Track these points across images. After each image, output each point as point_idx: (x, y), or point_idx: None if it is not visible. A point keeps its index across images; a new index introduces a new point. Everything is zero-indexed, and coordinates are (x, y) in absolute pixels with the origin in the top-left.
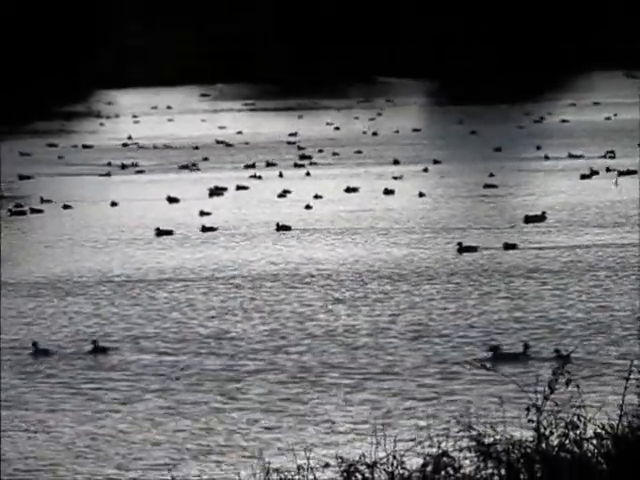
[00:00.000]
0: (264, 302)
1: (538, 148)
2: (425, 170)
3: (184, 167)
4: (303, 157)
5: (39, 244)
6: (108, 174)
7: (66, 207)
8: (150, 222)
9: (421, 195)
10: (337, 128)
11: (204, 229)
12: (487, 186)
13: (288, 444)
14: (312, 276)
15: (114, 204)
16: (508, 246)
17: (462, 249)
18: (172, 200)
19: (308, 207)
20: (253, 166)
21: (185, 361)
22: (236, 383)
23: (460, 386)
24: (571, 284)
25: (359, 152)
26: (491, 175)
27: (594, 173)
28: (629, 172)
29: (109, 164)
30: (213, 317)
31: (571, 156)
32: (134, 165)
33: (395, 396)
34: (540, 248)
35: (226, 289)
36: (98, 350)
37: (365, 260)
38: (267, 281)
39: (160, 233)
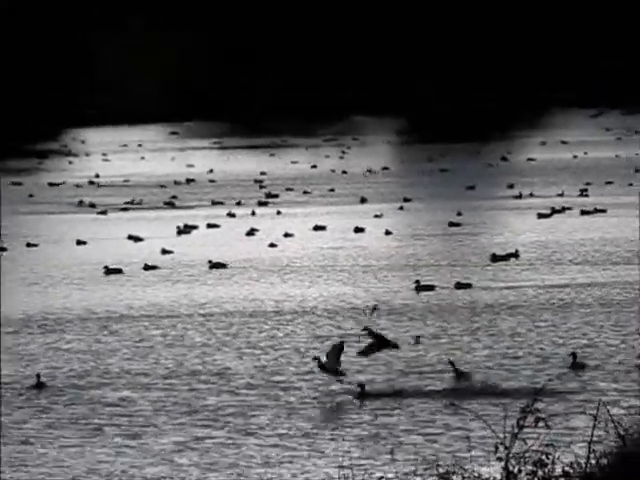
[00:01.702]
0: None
1: (510, 187)
2: (401, 208)
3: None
4: (272, 195)
5: None
6: (75, 212)
7: (29, 245)
8: (107, 260)
9: (388, 233)
10: (314, 166)
11: (146, 267)
12: (453, 225)
13: None
14: (221, 314)
15: (80, 242)
16: (461, 285)
17: (420, 288)
18: (136, 239)
19: (273, 245)
20: (223, 204)
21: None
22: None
23: (423, 422)
24: (522, 320)
25: (332, 190)
26: (459, 214)
27: (564, 210)
28: (599, 210)
29: (80, 202)
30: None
31: (539, 196)
32: (96, 205)
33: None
34: (493, 288)
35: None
36: (40, 385)
37: (310, 297)
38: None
39: (109, 272)
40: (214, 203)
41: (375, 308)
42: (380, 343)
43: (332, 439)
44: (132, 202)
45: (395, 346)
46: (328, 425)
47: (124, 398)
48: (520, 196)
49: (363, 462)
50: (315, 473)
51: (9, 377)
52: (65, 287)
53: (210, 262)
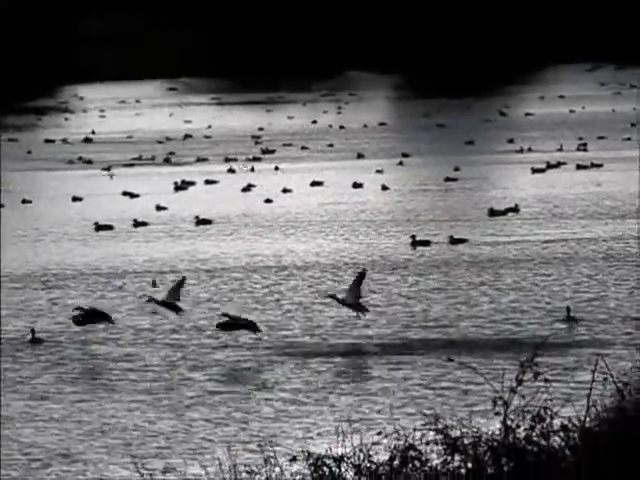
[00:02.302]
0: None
1: (510, 141)
2: (400, 164)
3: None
4: (268, 151)
5: None
6: (72, 169)
7: (25, 202)
8: (100, 216)
9: (385, 188)
10: (314, 122)
11: (136, 224)
12: (451, 179)
13: (254, 437)
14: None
15: (76, 199)
16: (455, 240)
17: (416, 243)
18: (132, 195)
19: (268, 201)
20: (221, 160)
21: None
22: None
23: (421, 378)
24: (525, 273)
25: (330, 145)
26: (456, 169)
27: (559, 165)
28: (595, 165)
29: (79, 159)
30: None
31: (539, 151)
32: (97, 162)
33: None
34: (489, 243)
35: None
36: (36, 341)
37: (305, 252)
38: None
39: (99, 228)
40: (212, 159)
41: (154, 283)
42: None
43: (333, 394)
44: (133, 159)
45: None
46: (330, 380)
47: (131, 354)
48: (521, 150)
49: (362, 417)
50: (313, 429)
51: (16, 332)
52: (57, 243)
53: (197, 218)
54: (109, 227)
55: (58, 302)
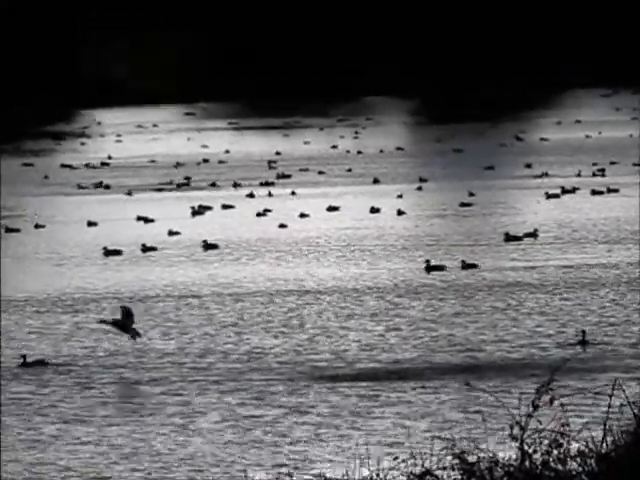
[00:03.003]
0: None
1: (527, 166)
2: (419, 189)
3: (171, 184)
4: (284, 176)
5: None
6: (90, 194)
7: (37, 226)
8: (114, 241)
9: (400, 213)
10: (334, 146)
11: (144, 249)
12: (465, 205)
13: (274, 462)
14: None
15: (91, 224)
16: (466, 266)
17: (430, 268)
18: (146, 220)
19: (282, 226)
20: (238, 185)
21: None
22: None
23: (439, 402)
24: (542, 298)
25: (349, 170)
26: (471, 194)
27: (575, 190)
28: (611, 190)
29: (100, 184)
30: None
31: (556, 175)
32: (110, 186)
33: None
34: (501, 268)
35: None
36: (26, 364)
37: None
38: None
39: (108, 253)
40: (229, 184)
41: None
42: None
43: (351, 418)
44: (151, 184)
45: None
46: (349, 405)
47: (160, 378)
48: (541, 176)
49: (378, 441)
50: (331, 453)
51: (44, 355)
52: (65, 268)
53: (205, 242)
54: (118, 252)
55: (64, 325)
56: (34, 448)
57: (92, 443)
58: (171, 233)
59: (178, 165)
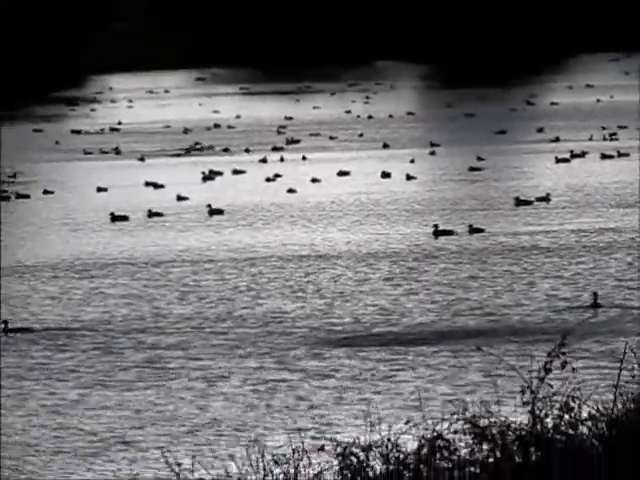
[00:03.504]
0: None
1: (539, 130)
2: (432, 153)
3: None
4: (294, 141)
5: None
6: (101, 159)
7: (46, 192)
8: (121, 206)
9: (410, 178)
10: (348, 111)
11: (150, 214)
12: (474, 169)
13: (280, 426)
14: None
15: (100, 189)
16: (473, 230)
17: (438, 232)
18: (156, 186)
19: (291, 191)
20: (250, 150)
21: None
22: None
23: (450, 367)
24: (549, 262)
25: (360, 135)
26: (480, 159)
27: (584, 154)
28: (622, 154)
29: (111, 150)
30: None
31: (569, 140)
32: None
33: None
34: (511, 233)
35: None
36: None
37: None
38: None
39: (115, 218)
40: (239, 149)
41: None
42: None
43: (364, 383)
44: (162, 149)
45: None
46: (360, 369)
47: (178, 342)
48: (554, 140)
49: (390, 406)
50: (343, 418)
51: (67, 321)
52: (72, 233)
53: (210, 208)
54: (125, 218)
55: (79, 291)
56: (57, 413)
57: (113, 408)
58: (180, 198)
59: (189, 130)
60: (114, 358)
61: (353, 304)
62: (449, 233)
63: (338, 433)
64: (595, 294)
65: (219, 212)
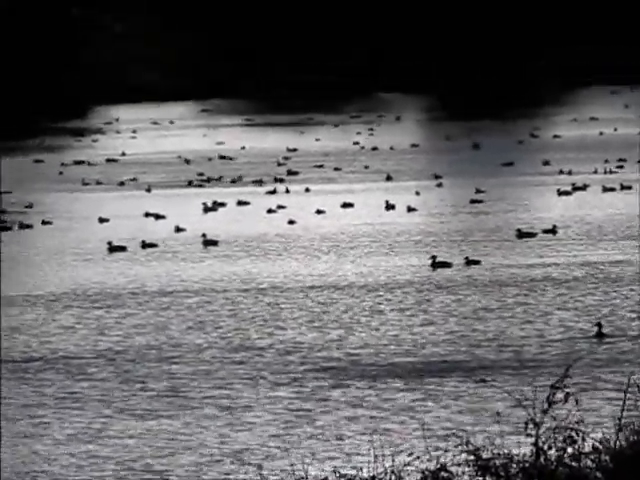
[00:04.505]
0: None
1: (545, 163)
2: (439, 185)
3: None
4: (293, 173)
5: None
6: (104, 190)
7: (45, 223)
8: (121, 237)
9: (410, 210)
10: (356, 143)
11: (144, 245)
12: (475, 202)
13: (285, 455)
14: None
15: (102, 220)
16: (470, 262)
17: (435, 264)
18: (157, 217)
19: (291, 222)
20: (255, 182)
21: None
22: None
23: (454, 399)
24: (558, 294)
25: (366, 167)
26: (478, 191)
27: (586, 187)
28: (625, 187)
29: (121, 183)
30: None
31: (570, 172)
32: (133, 180)
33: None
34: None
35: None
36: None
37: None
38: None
39: (112, 249)
40: (244, 180)
41: None
42: None
43: (368, 414)
44: (166, 180)
45: None
46: (365, 400)
47: (199, 372)
48: (559, 173)
49: (393, 437)
50: (347, 448)
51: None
52: (69, 265)
53: (204, 238)
54: (122, 248)
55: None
56: (82, 441)
57: (136, 437)
58: (178, 229)
59: (192, 161)
60: (132, 387)
61: (365, 334)
62: (446, 265)
63: (342, 464)
64: (599, 324)
65: (213, 243)
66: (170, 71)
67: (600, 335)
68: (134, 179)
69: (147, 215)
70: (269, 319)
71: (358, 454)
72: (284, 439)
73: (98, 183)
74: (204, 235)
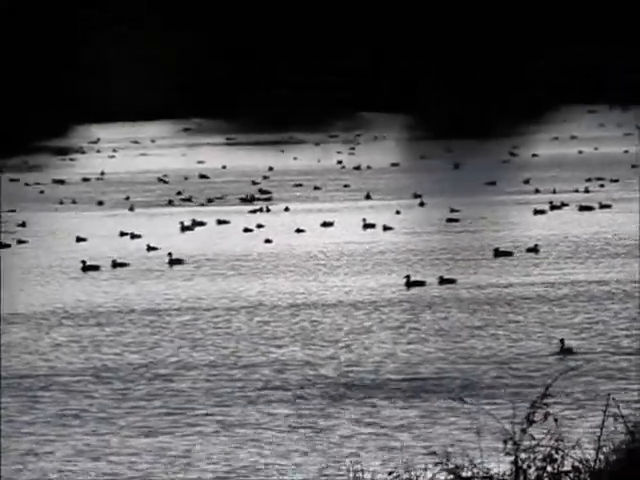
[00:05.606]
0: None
1: (526, 182)
2: (421, 204)
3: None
4: (266, 192)
5: None
6: (84, 210)
7: (20, 242)
8: (95, 256)
9: (386, 229)
10: (340, 162)
11: (114, 265)
12: (451, 220)
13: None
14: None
15: (80, 239)
16: (444, 281)
17: (410, 283)
18: (133, 236)
19: (268, 241)
20: (231, 201)
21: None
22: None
23: (433, 418)
24: (532, 312)
25: (346, 186)
26: (453, 210)
27: (562, 206)
28: (604, 206)
29: (99, 202)
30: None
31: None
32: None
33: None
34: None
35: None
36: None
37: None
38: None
39: (86, 268)
40: (224, 199)
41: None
42: None
43: (346, 433)
44: (146, 199)
45: None
46: (343, 418)
47: (195, 389)
48: (537, 192)
49: (373, 456)
50: (325, 467)
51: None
52: (41, 284)
53: (170, 256)
54: (96, 267)
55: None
56: (81, 459)
57: (139, 454)
58: (149, 248)
59: (171, 181)
60: (130, 404)
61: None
62: (420, 284)
63: None
64: (562, 341)
65: (179, 262)
66: (154, 85)
67: (568, 352)
68: (113, 198)
69: (122, 234)
70: (254, 336)
71: (337, 475)
72: (277, 453)
73: (76, 202)
74: (170, 254)
